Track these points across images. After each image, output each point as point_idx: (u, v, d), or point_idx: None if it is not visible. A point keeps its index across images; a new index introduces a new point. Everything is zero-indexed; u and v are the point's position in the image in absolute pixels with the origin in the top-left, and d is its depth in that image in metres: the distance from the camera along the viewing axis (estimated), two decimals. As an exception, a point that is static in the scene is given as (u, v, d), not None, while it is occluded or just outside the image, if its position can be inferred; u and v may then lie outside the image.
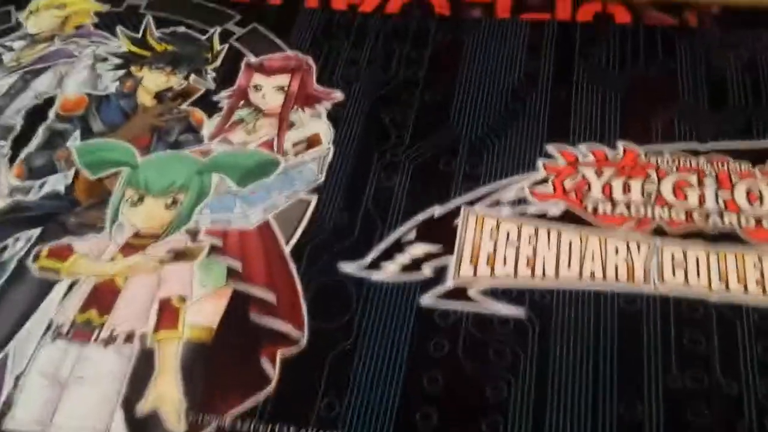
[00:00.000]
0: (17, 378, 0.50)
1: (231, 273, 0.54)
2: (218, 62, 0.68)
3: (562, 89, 0.63)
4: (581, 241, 0.53)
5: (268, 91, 0.66)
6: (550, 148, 0.59)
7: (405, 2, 0.72)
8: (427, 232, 0.55)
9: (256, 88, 0.66)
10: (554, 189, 0.56)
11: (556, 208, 0.55)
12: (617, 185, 0.56)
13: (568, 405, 0.47)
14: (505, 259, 0.53)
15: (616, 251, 0.53)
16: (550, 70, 0.64)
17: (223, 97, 0.65)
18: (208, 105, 0.65)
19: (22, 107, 0.66)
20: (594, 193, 0.56)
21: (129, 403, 0.48)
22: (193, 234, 0.57)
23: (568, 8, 0.69)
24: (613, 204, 0.55)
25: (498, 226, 0.55)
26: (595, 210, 0.55)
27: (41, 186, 0.60)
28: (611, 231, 0.54)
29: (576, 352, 0.49)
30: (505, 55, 0.66)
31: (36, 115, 0.65)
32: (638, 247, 0.53)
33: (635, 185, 0.56)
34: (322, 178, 0.59)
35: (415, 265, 0.54)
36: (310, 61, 0.67)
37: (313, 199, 0.58)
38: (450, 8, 0.71)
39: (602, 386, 0.47)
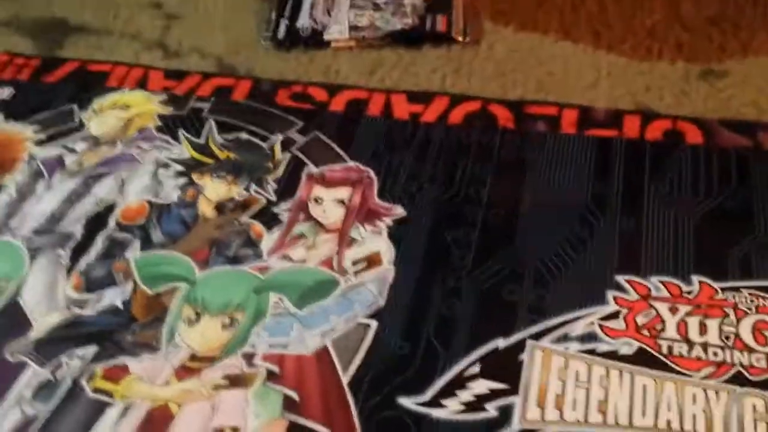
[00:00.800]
0: None
1: (287, 403, 0.53)
2: (279, 172, 0.68)
3: (632, 215, 0.61)
4: (656, 386, 0.51)
5: (329, 205, 0.65)
6: (620, 279, 0.57)
7: (468, 112, 0.71)
8: (491, 366, 0.53)
9: (317, 200, 0.65)
10: (626, 325, 0.54)
11: (628, 347, 0.53)
12: (693, 324, 0.53)
13: None
14: (575, 402, 0.51)
15: (694, 399, 0.50)
16: (618, 192, 0.63)
17: (284, 210, 0.65)
18: (268, 217, 0.64)
19: (83, 214, 0.66)
20: (668, 332, 0.53)
21: None
22: (249, 358, 0.55)
23: (637, 125, 0.68)
24: (690, 345, 0.52)
25: (566, 365, 0.52)
26: (670, 351, 0.52)
27: (98, 300, 0.60)
28: (688, 376, 0.51)
29: None
30: (571, 174, 0.65)
31: (96, 222, 0.65)
32: (717, 396, 0.50)
33: (712, 325, 0.53)
34: (383, 302, 0.58)
35: (479, 403, 0.51)
36: (372, 173, 0.67)
37: (373, 324, 0.56)
38: (514, 121, 0.70)
39: None
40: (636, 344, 0.53)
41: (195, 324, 0.57)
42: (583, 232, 0.60)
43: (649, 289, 0.56)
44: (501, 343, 0.54)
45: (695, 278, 0.56)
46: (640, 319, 0.54)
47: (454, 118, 0.71)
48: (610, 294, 0.56)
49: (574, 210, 0.62)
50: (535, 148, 0.67)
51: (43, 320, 0.59)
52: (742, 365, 0.51)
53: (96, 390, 0.54)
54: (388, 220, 0.63)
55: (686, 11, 0.79)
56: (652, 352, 0.52)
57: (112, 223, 0.65)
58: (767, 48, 0.73)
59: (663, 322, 0.54)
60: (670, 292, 0.56)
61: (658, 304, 0.55)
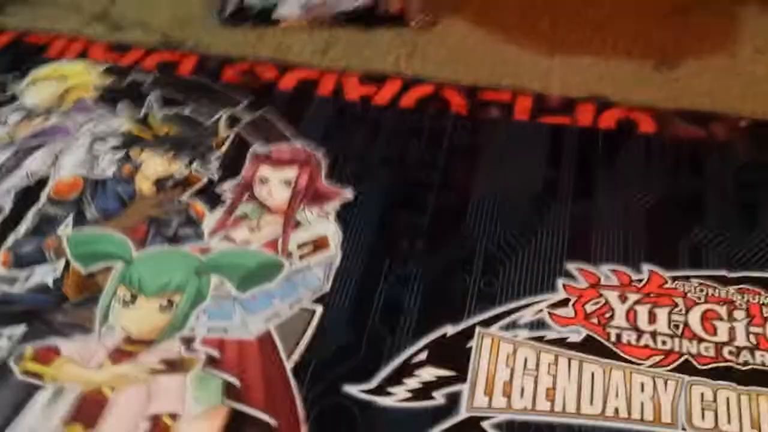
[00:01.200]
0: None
1: (228, 389, 0.50)
2: (223, 150, 0.65)
3: (584, 203, 0.60)
4: (604, 374, 0.50)
5: (275, 185, 0.62)
6: (571, 267, 0.56)
7: (421, 97, 0.70)
8: (439, 353, 0.52)
9: (262, 180, 0.63)
10: (575, 313, 0.53)
11: (577, 335, 0.52)
12: (642, 313, 0.53)
13: None
14: (522, 389, 0.50)
15: (642, 387, 0.49)
16: (570, 180, 0.62)
17: (227, 189, 0.62)
18: (210, 196, 0.62)
19: (12, 187, 0.62)
20: (617, 320, 0.53)
21: None
22: (188, 342, 0.53)
23: (590, 114, 0.67)
24: (638, 333, 0.52)
25: (515, 352, 0.51)
26: (618, 338, 0.52)
27: (28, 277, 0.57)
28: (636, 364, 0.50)
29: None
30: (524, 161, 0.64)
31: (27, 197, 0.62)
32: (665, 385, 0.49)
33: (662, 314, 0.53)
34: (328, 287, 0.56)
35: (426, 390, 0.50)
36: (320, 154, 0.65)
37: (318, 310, 0.55)
38: (467, 107, 0.69)
39: None
40: (585, 332, 0.52)
41: (131, 305, 0.55)
42: (533, 220, 0.59)
43: (599, 278, 0.55)
44: (449, 329, 0.53)
45: (645, 267, 0.56)
46: (590, 307, 0.54)
47: (406, 101, 0.69)
48: (560, 281, 0.55)
49: (525, 197, 0.61)
50: (488, 134, 0.66)
51: (-33, 299, 0.55)
52: (690, 354, 0.51)
53: (25, 372, 0.51)
54: (336, 203, 0.61)
55: (641, 2, 0.79)
56: (601, 339, 0.52)
57: (43, 197, 0.62)
58: (722, 39, 0.74)
59: (612, 310, 0.53)
60: (620, 280, 0.55)
61: (607, 293, 0.54)
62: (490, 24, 0.77)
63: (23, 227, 0.60)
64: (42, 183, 0.63)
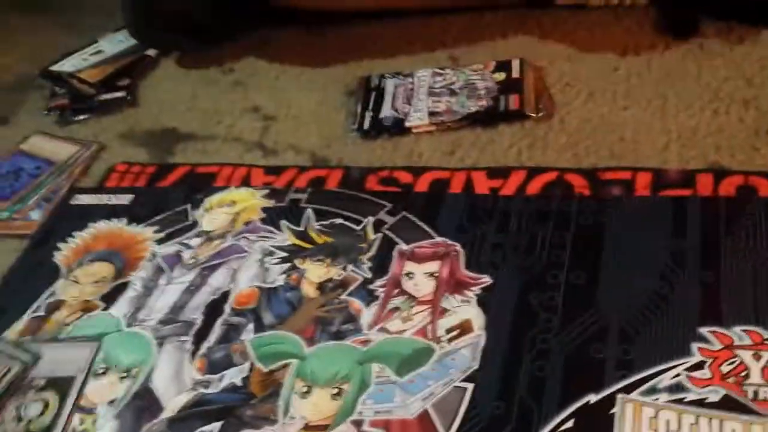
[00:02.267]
0: None
1: (395, 466, 0.57)
2: (372, 252, 0.74)
3: (711, 268, 0.64)
4: (744, 430, 0.53)
5: (420, 279, 0.70)
6: (704, 331, 0.59)
7: (545, 183, 0.76)
8: (584, 420, 0.56)
9: (409, 275, 0.71)
10: (712, 374, 0.56)
11: (715, 395, 0.55)
12: (777, 369, 0.56)
13: None
14: (667, 450, 0.53)
15: (783, 441, 0.52)
16: (696, 247, 0.65)
17: (379, 286, 0.70)
18: (365, 294, 0.70)
19: (201, 303, 0.73)
20: (753, 378, 0.55)
21: None
22: (358, 425, 0.60)
23: (710, 183, 0.71)
24: (775, 390, 0.54)
25: (657, 415, 0.55)
26: (755, 395, 0.54)
27: (221, 379, 0.66)
28: (776, 420, 0.53)
29: None
30: (648, 233, 0.68)
31: (214, 309, 0.72)
32: (807, 437, 0.52)
33: (796, 369, 0.55)
34: (477, 365, 0.62)
35: (576, 457, 0.55)
36: (458, 246, 0.72)
37: (469, 387, 0.61)
38: (590, 187, 0.74)
39: None
40: (722, 391, 0.55)
41: (307, 396, 0.63)
42: (663, 288, 0.63)
43: (733, 339, 0.58)
44: (592, 398, 0.57)
45: (776, 325, 0.58)
46: (725, 368, 0.56)
47: (531, 189, 0.76)
48: (695, 346, 0.59)
49: (653, 267, 0.65)
50: (612, 211, 0.71)
51: (173, 401, 0.65)
52: (829, 407, 0.53)
53: (224, 461, 0.60)
54: (476, 289, 0.68)
55: (750, 69, 0.82)
56: (739, 398, 0.55)
57: (227, 309, 0.72)
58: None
59: (747, 368, 0.56)
60: (752, 339, 0.58)
61: (741, 352, 0.57)
62: (603, 106, 0.83)
63: (213, 336, 0.70)
64: (225, 296, 0.73)
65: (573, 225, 0.71)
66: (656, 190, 0.72)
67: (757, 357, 0.57)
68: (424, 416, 0.60)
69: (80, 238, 0.84)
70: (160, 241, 0.81)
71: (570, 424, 0.56)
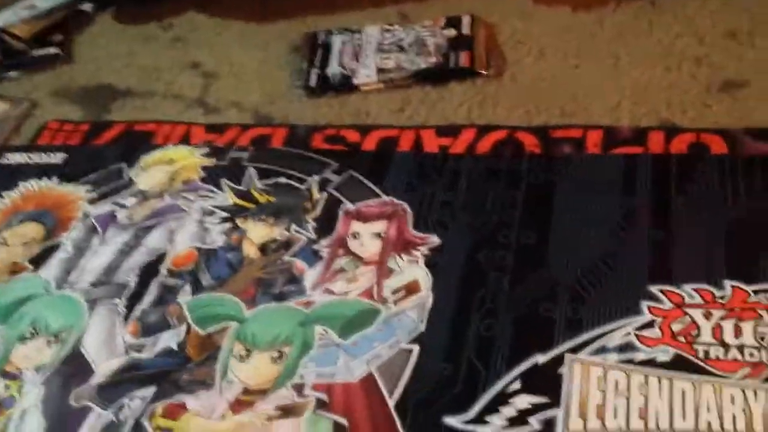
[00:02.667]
0: None
1: (337, 429, 0.55)
2: (317, 211, 0.71)
3: (662, 226, 0.62)
4: (695, 390, 0.52)
5: (366, 239, 0.67)
6: (654, 289, 0.58)
7: (496, 141, 0.74)
8: (532, 381, 0.55)
9: (355, 236, 0.68)
10: (662, 333, 0.55)
11: (665, 354, 0.54)
12: (728, 328, 0.54)
13: None
14: (615, 410, 0.52)
15: (732, 400, 0.51)
16: (647, 206, 0.64)
17: (324, 246, 0.68)
18: (309, 254, 0.67)
19: (136, 264, 0.70)
20: (704, 337, 0.54)
21: None
22: (299, 388, 0.58)
23: (662, 140, 0.69)
24: (725, 348, 0.53)
25: (605, 375, 0.54)
26: (706, 355, 0.53)
27: (155, 343, 0.63)
28: (726, 378, 0.52)
29: None
30: (599, 192, 0.66)
31: (149, 271, 0.69)
32: (755, 395, 0.51)
33: (747, 327, 0.54)
34: (423, 327, 0.60)
35: (522, 417, 0.53)
36: (406, 206, 0.69)
37: (415, 349, 0.59)
38: (541, 145, 0.72)
39: None
40: (672, 351, 0.54)
41: (246, 360, 0.60)
42: (613, 247, 0.62)
43: (683, 297, 0.57)
44: (540, 358, 0.56)
45: (727, 283, 0.57)
46: (676, 327, 0.55)
47: (482, 147, 0.74)
48: (645, 304, 0.57)
49: (604, 226, 0.64)
50: (563, 169, 0.69)
51: (104, 366, 0.62)
52: (779, 364, 0.52)
53: (157, 428, 0.57)
54: (424, 249, 0.65)
55: (702, 26, 0.81)
56: (689, 357, 0.53)
57: (163, 270, 0.69)
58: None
59: (698, 327, 0.55)
60: (703, 298, 0.57)
61: (692, 311, 0.56)
62: (555, 65, 0.81)
63: (148, 299, 0.67)
64: (161, 257, 0.70)
65: (524, 184, 0.69)
66: (607, 148, 0.70)
67: (708, 316, 0.55)
68: (368, 379, 0.57)
69: (9, 198, 0.79)
70: (92, 201, 0.77)
71: (517, 385, 0.55)
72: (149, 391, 0.60)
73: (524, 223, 0.66)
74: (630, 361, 0.54)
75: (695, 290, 0.57)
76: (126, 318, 0.65)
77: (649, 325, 0.56)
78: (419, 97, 0.81)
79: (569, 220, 0.65)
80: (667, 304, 0.57)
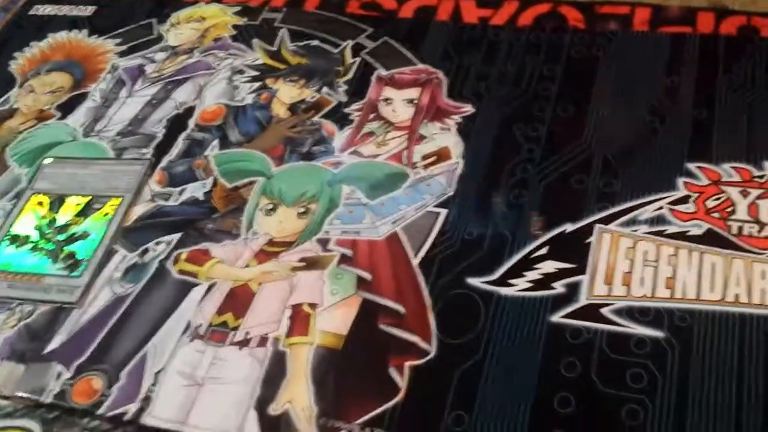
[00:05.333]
0: (157, 374, 0.52)
1: (360, 282, 0.55)
2: (350, 75, 0.69)
3: (704, 106, 0.60)
4: (725, 263, 0.51)
5: (399, 105, 0.66)
6: (691, 166, 0.57)
7: (538, 15, 0.71)
8: (559, 248, 0.54)
9: (387, 101, 0.67)
10: (696, 208, 0.54)
11: (698, 229, 0.53)
12: (764, 206, 0.53)
13: (709, 431, 0.45)
14: (642, 279, 0.51)
15: (763, 275, 0.50)
16: (691, 86, 0.62)
17: (354, 110, 0.66)
18: (339, 117, 0.66)
19: (164, 116, 0.69)
20: (739, 214, 0.53)
21: (262, 404, 0.49)
22: (324, 243, 0.58)
23: (711, 21, 0.67)
24: (760, 226, 0.52)
25: (635, 246, 0.53)
26: (740, 231, 0.52)
27: (181, 192, 0.63)
28: (758, 254, 0.51)
29: (718, 376, 0.47)
30: (642, 69, 0.64)
31: (176, 124, 0.68)
32: (787, 272, 0.50)
33: (784, 207, 0.53)
34: (452, 192, 0.59)
35: (546, 281, 0.53)
36: (441, 74, 0.67)
37: (443, 213, 0.58)
38: (585, 21, 0.70)
39: (746, 413, 0.45)
40: (706, 226, 0.53)
41: (272, 213, 0.60)
42: (654, 123, 0.60)
43: (720, 175, 0.56)
44: (569, 227, 0.55)
45: (767, 164, 0.56)
46: (711, 203, 0.54)
47: (523, 20, 0.71)
48: (681, 180, 0.56)
49: (645, 102, 0.62)
50: (606, 45, 0.67)
51: (130, 211, 0.62)
52: (814, 243, 0.51)
53: (181, 271, 0.57)
54: (458, 117, 0.64)
55: None
56: (722, 232, 0.53)
57: (191, 124, 0.68)
58: None
59: (733, 204, 0.54)
60: (741, 176, 0.55)
61: (729, 189, 0.55)
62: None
63: (175, 150, 0.66)
64: (189, 112, 0.69)
65: (564, 58, 0.67)
66: (655, 27, 0.68)
67: (745, 194, 0.54)
68: (392, 238, 0.57)
69: (38, 47, 0.78)
70: (122, 54, 0.75)
71: (544, 251, 0.54)
72: (175, 236, 0.60)
73: (562, 97, 0.64)
74: (661, 233, 0.53)
75: (734, 168, 0.56)
76: (153, 168, 0.65)
77: (684, 200, 0.55)
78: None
79: (610, 96, 0.63)
80: (704, 181, 0.56)
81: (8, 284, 0.58)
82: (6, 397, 0.53)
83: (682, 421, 0.45)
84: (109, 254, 0.60)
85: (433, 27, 0.72)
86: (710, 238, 0.52)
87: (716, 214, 0.54)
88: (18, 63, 0.77)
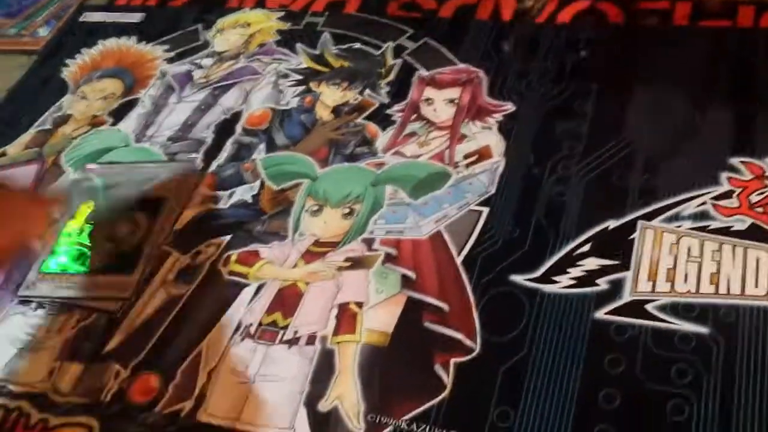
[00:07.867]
0: (209, 373, 0.54)
1: (405, 281, 0.56)
2: (391, 77, 0.70)
3: (746, 100, 0.60)
4: (769, 259, 0.51)
5: (440, 105, 0.67)
6: (734, 161, 0.57)
7: (577, 11, 0.71)
8: (602, 245, 0.55)
9: (428, 101, 0.68)
10: (740, 203, 0.54)
11: (741, 224, 0.53)
12: (809, 200, 0.53)
13: (755, 428, 0.45)
14: (686, 275, 0.51)
15: (808, 270, 0.50)
16: (732, 80, 0.62)
17: (396, 111, 0.68)
18: (381, 118, 0.67)
19: (212, 122, 0.71)
20: (783, 209, 0.53)
21: (311, 401, 0.51)
22: (369, 243, 0.59)
23: (751, 14, 0.66)
24: (805, 220, 0.52)
25: (678, 242, 0.53)
26: (784, 226, 0.52)
27: (230, 195, 0.65)
28: (803, 248, 0.51)
29: (763, 371, 0.47)
30: (683, 64, 0.64)
31: (224, 129, 0.70)
32: (833, 266, 0.50)
33: (829, 200, 0.53)
34: (493, 190, 0.60)
35: (590, 278, 0.53)
36: (481, 73, 0.68)
37: (485, 211, 0.59)
38: (624, 16, 0.70)
39: (793, 412, 0.45)
40: (749, 221, 0.53)
41: (318, 214, 0.61)
42: (696, 119, 0.60)
43: (764, 169, 0.56)
44: (612, 224, 0.56)
45: (812, 157, 0.55)
46: (755, 198, 0.54)
47: (563, 17, 0.71)
48: (724, 175, 0.56)
49: (686, 97, 0.62)
50: (646, 42, 0.67)
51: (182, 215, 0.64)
52: None
53: (231, 273, 0.59)
54: (498, 116, 0.65)
55: None
56: (766, 227, 0.52)
57: (239, 129, 0.70)
58: None
59: (778, 199, 0.54)
60: (785, 170, 0.55)
61: (773, 183, 0.55)
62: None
63: (224, 155, 0.68)
64: (236, 117, 0.71)
65: (604, 54, 0.67)
66: (695, 21, 0.67)
67: (789, 187, 0.54)
68: (436, 236, 0.58)
69: (89, 54, 0.81)
70: (170, 60, 0.78)
71: (587, 247, 0.55)
72: (225, 239, 0.62)
73: (602, 93, 0.64)
74: (704, 229, 0.53)
75: (778, 163, 0.56)
76: (203, 172, 0.67)
77: (727, 195, 0.55)
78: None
79: (651, 91, 0.63)
80: (748, 176, 0.56)
81: (67, 285, 0.61)
82: (66, 395, 0.55)
83: (727, 416, 0.46)
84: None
85: (472, 26, 0.73)
86: (754, 233, 0.52)
87: (760, 209, 0.53)
88: (70, 70, 0.80)
